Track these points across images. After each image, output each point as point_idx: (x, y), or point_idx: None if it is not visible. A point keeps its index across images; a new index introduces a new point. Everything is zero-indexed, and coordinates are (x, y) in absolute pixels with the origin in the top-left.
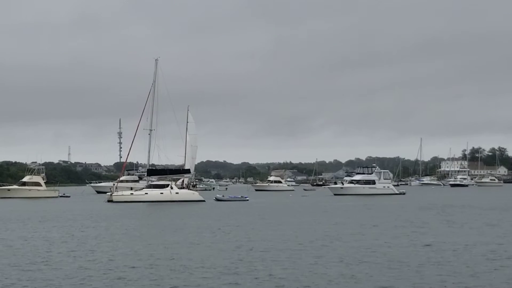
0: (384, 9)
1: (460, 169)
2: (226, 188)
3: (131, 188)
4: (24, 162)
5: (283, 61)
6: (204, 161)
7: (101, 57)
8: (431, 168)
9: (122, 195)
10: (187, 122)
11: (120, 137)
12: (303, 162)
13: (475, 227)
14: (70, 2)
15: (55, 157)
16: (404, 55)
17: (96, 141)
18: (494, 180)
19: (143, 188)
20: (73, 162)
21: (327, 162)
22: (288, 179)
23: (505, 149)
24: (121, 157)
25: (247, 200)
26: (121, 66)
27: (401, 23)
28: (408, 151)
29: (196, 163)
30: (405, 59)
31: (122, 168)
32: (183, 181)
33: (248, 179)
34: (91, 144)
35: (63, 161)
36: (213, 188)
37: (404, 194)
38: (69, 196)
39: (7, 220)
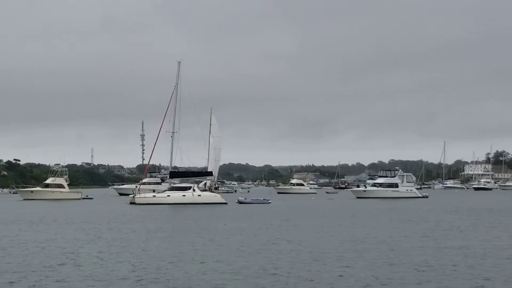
0: (409, 10)
1: (484, 173)
2: (248, 191)
3: (154, 190)
4: (47, 164)
5: (307, 64)
6: (227, 163)
7: (126, 60)
8: (455, 171)
9: (145, 197)
10: (210, 124)
11: (143, 140)
12: (325, 165)
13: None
14: (95, 6)
15: (78, 159)
16: (428, 57)
17: (119, 143)
18: None
19: (166, 190)
20: (96, 164)
21: (349, 165)
22: (311, 182)
23: None
24: (143, 159)
25: (270, 202)
26: (146, 69)
27: (425, 24)
28: (432, 154)
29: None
30: (430, 60)
31: (144, 170)
32: (205, 183)
33: (270, 182)
34: (114, 146)
35: (86, 163)
36: (235, 191)
37: (427, 197)
38: (92, 198)
39: (36, 222)
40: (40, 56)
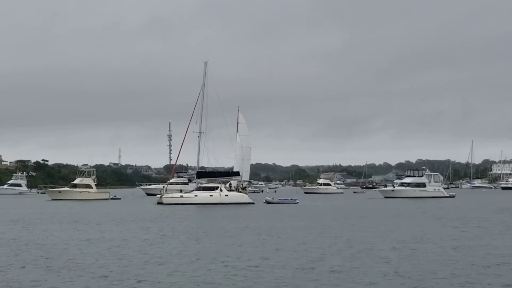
0: (447, 8)
1: None
2: (275, 191)
3: (181, 191)
4: (76, 165)
5: (344, 63)
6: (253, 163)
7: (166, 60)
8: (482, 171)
9: (172, 197)
10: (238, 123)
11: (170, 140)
12: (352, 165)
13: None
14: (140, 6)
15: (106, 160)
16: (465, 56)
17: (147, 144)
18: None
19: (193, 190)
20: (123, 164)
21: (376, 164)
22: (338, 182)
23: None
24: (171, 159)
25: (297, 202)
26: (181, 69)
27: (464, 22)
28: (459, 154)
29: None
30: (466, 59)
31: (172, 171)
32: (230, 184)
33: (297, 182)
34: (142, 146)
35: (114, 164)
36: (262, 191)
37: (453, 197)
38: (119, 198)
39: (77, 221)
40: (82, 56)
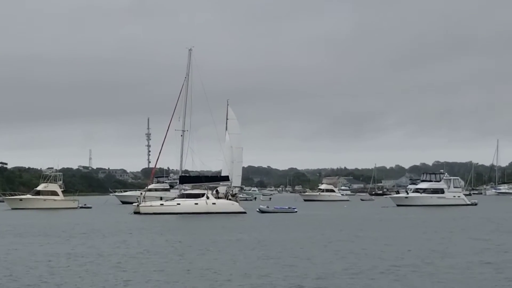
0: None
1: None
2: (270, 198)
3: (161, 198)
4: (39, 168)
5: (352, 51)
6: (245, 166)
7: (146, 47)
8: (510, 174)
9: (151, 206)
10: (227, 119)
11: (148, 139)
12: (360, 168)
13: None
14: None
15: (75, 162)
16: (491, 45)
17: (122, 143)
18: None
19: (175, 198)
20: (94, 168)
21: (387, 167)
22: (342, 188)
23: None
24: (149, 162)
25: (296, 211)
26: (163, 57)
27: (493, 9)
28: (483, 155)
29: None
30: (492, 49)
31: (150, 175)
32: (217, 190)
33: (296, 188)
34: (116, 147)
35: (83, 167)
36: (255, 198)
37: (475, 205)
38: (90, 207)
39: (42, 235)
40: (47, 41)
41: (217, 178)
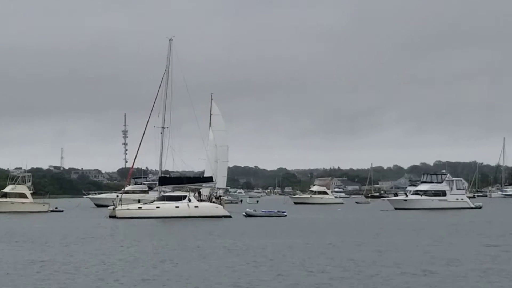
0: None
1: None
2: (257, 201)
3: (139, 201)
4: (6, 168)
5: (349, 42)
6: (231, 166)
7: (122, 37)
8: None
9: (128, 209)
10: (211, 115)
11: (125, 137)
12: (355, 168)
13: None
14: None
15: (45, 162)
16: (494, 35)
17: (96, 141)
18: None
19: (154, 200)
20: (66, 168)
21: (385, 168)
22: (336, 190)
23: None
24: (126, 161)
25: (285, 215)
26: (140, 48)
27: None
28: (489, 154)
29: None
30: (495, 40)
31: (127, 176)
32: (199, 192)
33: (286, 189)
34: (90, 145)
35: (54, 167)
36: (241, 201)
37: (480, 208)
38: (62, 211)
39: (8, 242)
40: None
41: (200, 179)
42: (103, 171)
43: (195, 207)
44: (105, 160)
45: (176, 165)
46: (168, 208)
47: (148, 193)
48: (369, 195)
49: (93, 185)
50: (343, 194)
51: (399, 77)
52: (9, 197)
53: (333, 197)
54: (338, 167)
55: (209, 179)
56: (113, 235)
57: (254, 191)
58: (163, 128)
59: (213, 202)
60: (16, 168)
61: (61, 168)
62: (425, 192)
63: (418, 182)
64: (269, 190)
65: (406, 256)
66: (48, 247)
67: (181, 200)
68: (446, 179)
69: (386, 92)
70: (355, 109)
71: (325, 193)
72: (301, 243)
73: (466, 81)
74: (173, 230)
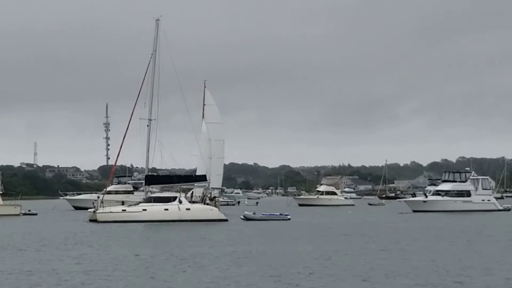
0: None
1: None
2: (257, 203)
3: (123, 203)
4: None
5: (364, 23)
6: (227, 163)
7: (104, 18)
8: None
9: (111, 212)
10: (204, 105)
11: (107, 130)
12: (367, 165)
13: None
14: None
15: (17, 159)
16: None
17: (74, 135)
18: None
19: (140, 202)
20: (40, 165)
21: (401, 165)
22: (346, 190)
23: None
24: (108, 158)
25: (289, 219)
26: (124, 30)
27: None
28: None
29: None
30: None
31: (110, 174)
32: (191, 193)
33: (289, 190)
34: (67, 139)
35: (27, 164)
36: (238, 203)
37: (509, 210)
38: (35, 214)
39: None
40: None
41: (192, 177)
42: (82, 169)
43: (187, 209)
44: (84, 156)
45: (165, 162)
46: (156, 210)
47: (133, 193)
48: (384, 195)
49: (70, 185)
50: (354, 195)
51: (419, 62)
52: None
53: (343, 198)
54: (349, 164)
55: (203, 178)
56: (93, 242)
57: (253, 191)
58: (150, 120)
59: (207, 204)
60: None
61: (35, 166)
62: (447, 193)
63: (439, 181)
64: (270, 191)
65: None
66: (22, 255)
67: (170, 201)
68: (471, 177)
69: (404, 80)
70: (369, 98)
71: (334, 193)
72: (308, 250)
73: (494, 68)
74: (162, 236)
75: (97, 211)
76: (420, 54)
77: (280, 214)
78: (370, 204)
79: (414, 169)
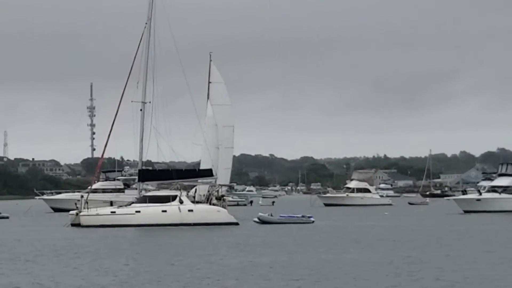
0: None
1: None
2: (273, 202)
3: (112, 203)
4: None
5: None
6: (237, 155)
7: None
8: None
9: (97, 214)
10: (209, 83)
11: (92, 116)
12: (407, 157)
13: None
14: None
15: None
16: None
17: (53, 121)
18: None
19: (133, 202)
20: (12, 158)
21: (449, 155)
22: (382, 186)
23: None
24: (94, 149)
25: (312, 221)
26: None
27: None
28: None
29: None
30: None
31: (96, 169)
32: (195, 191)
33: (313, 186)
34: (44, 127)
35: None
36: (251, 202)
37: None
38: (7, 217)
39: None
40: None
41: (195, 172)
42: (61, 163)
43: (189, 211)
44: (64, 147)
45: (162, 153)
46: (151, 212)
47: (124, 192)
48: (428, 193)
49: (48, 182)
50: (391, 192)
51: (473, 33)
52: None
53: (378, 196)
54: (385, 155)
55: (208, 173)
56: (76, 253)
57: (269, 188)
58: (144, 103)
59: (214, 205)
60: None
61: (5, 159)
62: (504, 189)
63: (494, 175)
64: (289, 188)
65: None
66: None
67: (169, 201)
68: None
69: (458, 52)
70: (413, 76)
71: (367, 190)
72: (340, 258)
73: None
74: (159, 243)
75: (81, 214)
76: (473, 22)
77: (303, 216)
78: (410, 204)
79: (464, 161)
